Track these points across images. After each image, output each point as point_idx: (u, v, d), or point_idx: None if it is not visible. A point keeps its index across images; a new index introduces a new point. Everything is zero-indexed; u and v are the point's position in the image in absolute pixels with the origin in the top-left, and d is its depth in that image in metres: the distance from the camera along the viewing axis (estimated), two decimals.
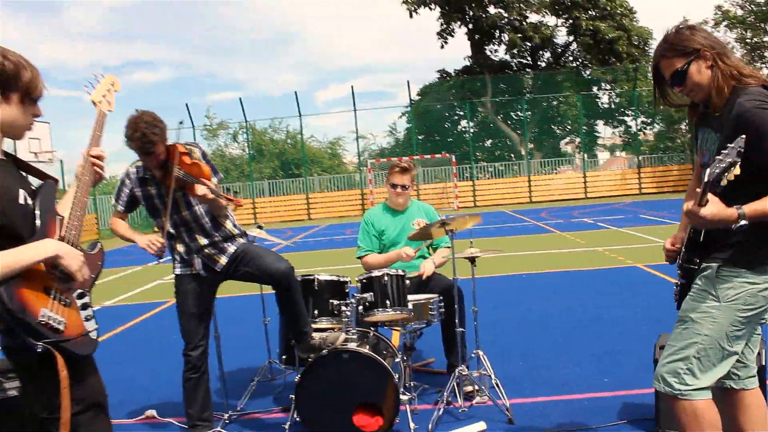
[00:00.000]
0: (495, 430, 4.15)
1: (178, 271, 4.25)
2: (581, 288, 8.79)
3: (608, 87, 37.75)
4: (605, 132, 40.67)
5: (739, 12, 31.05)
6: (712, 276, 2.77)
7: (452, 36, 37.89)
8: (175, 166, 3.84)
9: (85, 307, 2.40)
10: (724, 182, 2.43)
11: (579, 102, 33.03)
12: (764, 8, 30.10)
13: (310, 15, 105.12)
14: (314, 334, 4.28)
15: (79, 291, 2.39)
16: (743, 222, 2.54)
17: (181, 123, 5.03)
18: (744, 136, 2.41)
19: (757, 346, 3.01)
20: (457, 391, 4.57)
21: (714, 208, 2.51)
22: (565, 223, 18.66)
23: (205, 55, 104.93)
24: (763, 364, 3.67)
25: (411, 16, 35.84)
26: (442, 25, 37.41)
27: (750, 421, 2.96)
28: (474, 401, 4.58)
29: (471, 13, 35.99)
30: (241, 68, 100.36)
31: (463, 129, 38.03)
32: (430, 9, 36.03)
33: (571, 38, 37.07)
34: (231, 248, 4.24)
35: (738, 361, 2.89)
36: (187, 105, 31.60)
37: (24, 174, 2.44)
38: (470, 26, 37.06)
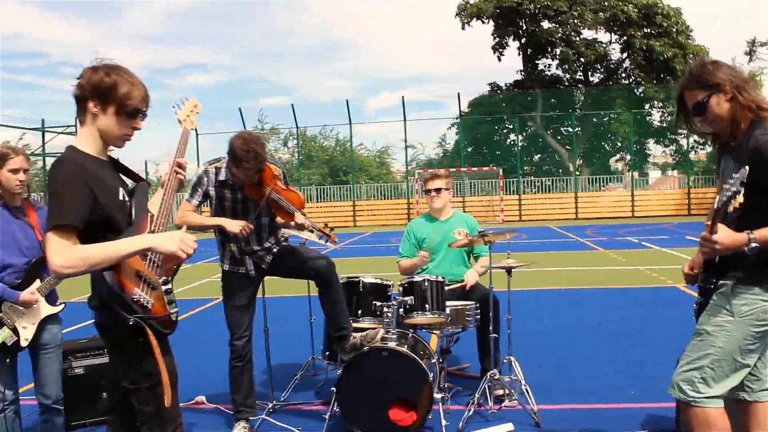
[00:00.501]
0: (522, 427, 4.40)
1: (227, 267, 4.62)
2: (618, 304, 8.95)
3: (661, 105, 37.43)
4: (656, 150, 40.33)
5: None
6: (728, 292, 3.00)
7: (505, 49, 38.01)
8: (270, 188, 4.38)
9: (168, 292, 2.78)
10: (730, 209, 2.67)
11: (630, 119, 32.83)
12: None
13: (362, 22, 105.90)
14: (354, 334, 4.60)
15: (164, 278, 2.76)
16: (754, 245, 2.78)
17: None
18: (747, 167, 2.65)
19: None
20: (488, 393, 4.84)
21: (724, 234, 2.77)
22: (609, 240, 18.68)
23: (257, 59, 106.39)
24: None
25: (463, 28, 36.12)
26: (495, 38, 37.55)
27: (761, 430, 3.17)
28: (504, 404, 4.84)
29: (524, 27, 36.07)
30: (291, 73, 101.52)
31: (512, 143, 38.04)
32: (483, 22, 36.22)
33: (624, 55, 36.86)
34: (275, 248, 4.65)
35: (751, 374, 3.10)
36: (240, 110, 32.33)
37: (120, 174, 2.85)
38: (523, 40, 37.14)
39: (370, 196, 34.46)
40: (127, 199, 2.76)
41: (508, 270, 5.12)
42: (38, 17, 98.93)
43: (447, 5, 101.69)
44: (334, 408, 4.48)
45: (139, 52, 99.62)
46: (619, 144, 39.21)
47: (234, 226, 4.35)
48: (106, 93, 2.65)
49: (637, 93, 37.20)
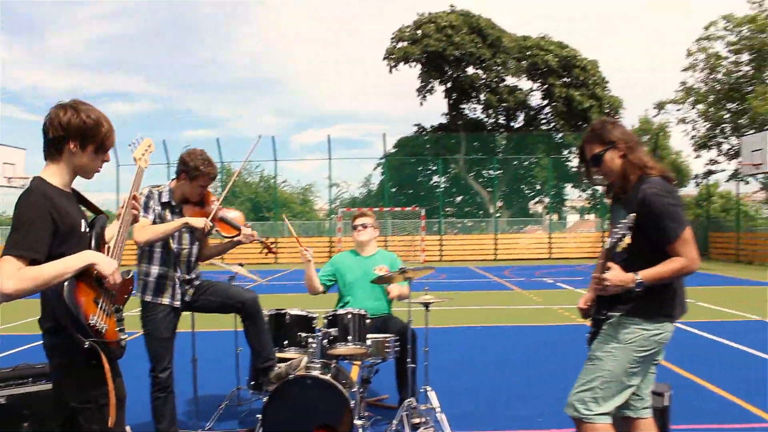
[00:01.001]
0: None
1: (148, 298, 4.67)
2: (531, 340, 9.37)
3: (578, 151, 39.01)
4: (573, 194, 41.90)
5: (703, 88, 32.50)
6: (616, 323, 3.40)
7: (431, 93, 38.98)
8: (215, 208, 4.66)
9: (119, 320, 2.96)
10: (619, 249, 3.10)
11: (549, 164, 34.09)
12: (726, 86, 31.59)
13: (291, 60, 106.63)
14: (279, 363, 4.80)
15: (116, 306, 2.95)
16: (640, 282, 3.20)
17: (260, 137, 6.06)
18: (634, 214, 3.10)
19: (651, 384, 3.62)
20: (405, 421, 5.09)
21: (614, 273, 3.19)
22: (526, 281, 19.32)
23: (184, 90, 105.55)
24: (666, 404, 4.28)
25: (391, 71, 36.94)
26: (421, 81, 38.50)
27: None
28: (419, 430, 5.11)
29: (450, 73, 37.12)
30: (219, 107, 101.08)
31: (435, 184, 38.84)
32: (411, 66, 37.14)
33: (545, 102, 38.34)
34: (197, 281, 4.82)
35: (635, 394, 3.50)
36: (164, 142, 32.08)
37: (79, 200, 3.04)
38: (448, 84, 38.18)
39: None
40: (87, 230, 2.95)
41: (426, 305, 5.43)
42: None
43: (376, 48, 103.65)
44: (261, 430, 4.67)
45: (61, 77, 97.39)
46: (538, 187, 40.57)
47: (198, 222, 4.51)
48: (87, 134, 2.86)
49: (557, 139, 38.69)
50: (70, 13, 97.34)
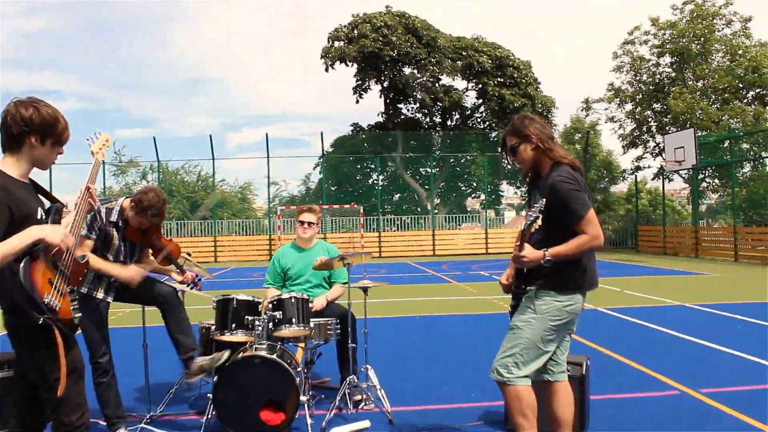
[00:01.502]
0: (378, 428, 5.03)
1: (84, 290, 4.82)
2: (466, 327, 9.83)
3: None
4: (508, 191, 42.85)
5: (630, 89, 33.71)
6: (532, 295, 3.84)
7: (367, 92, 39.33)
8: (158, 242, 5.12)
9: (73, 300, 3.21)
10: (533, 229, 3.54)
11: (484, 162, 34.83)
12: (651, 87, 32.86)
13: (227, 59, 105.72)
14: (200, 358, 5.04)
15: (71, 287, 3.20)
16: (548, 259, 3.63)
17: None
18: (544, 199, 3.57)
19: (567, 351, 4.06)
20: (347, 398, 5.46)
21: (529, 251, 3.62)
22: (462, 275, 19.85)
23: (116, 89, 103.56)
24: (583, 373, 4.74)
25: (327, 70, 37.14)
26: (357, 81, 38.83)
27: (559, 403, 4.01)
28: (361, 407, 5.47)
29: (386, 72, 37.55)
30: (153, 106, 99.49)
31: (373, 182, 39.25)
32: (347, 65, 37.43)
33: (480, 101, 39.14)
34: None
35: (552, 359, 3.94)
36: (91, 139, 31.57)
37: (37, 190, 3.28)
38: (385, 84, 38.61)
39: (231, 231, 34.46)
40: (44, 217, 3.19)
41: (364, 289, 5.79)
42: None
43: (312, 47, 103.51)
44: (211, 412, 4.95)
45: None
46: (475, 185, 41.31)
47: (127, 272, 4.84)
48: (48, 129, 3.16)
49: (491, 137, 39.52)
50: None
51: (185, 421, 5.34)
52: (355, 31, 36.28)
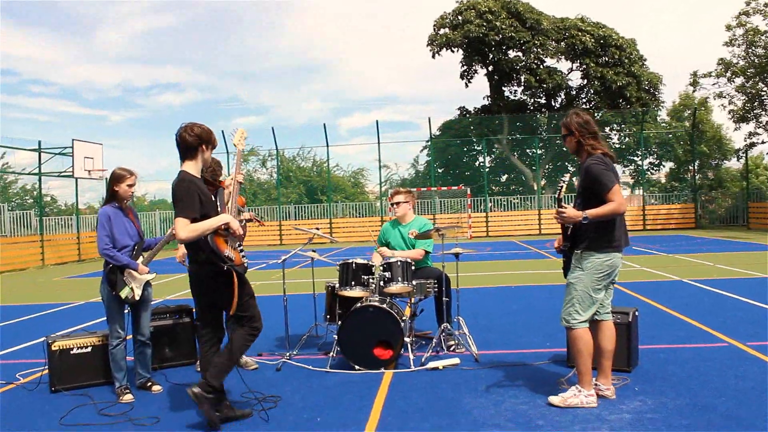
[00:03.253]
0: (466, 363, 6.39)
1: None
2: (551, 296, 10.99)
3: (618, 128, 40.03)
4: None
5: (741, 63, 33.07)
6: (578, 257, 5.08)
7: (473, 77, 40.24)
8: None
9: (241, 251, 4.81)
10: (560, 195, 4.80)
11: None
12: (764, 60, 32.17)
13: (336, 45, 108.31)
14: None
15: (238, 243, 4.79)
16: (586, 217, 4.86)
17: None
18: (568, 174, 4.84)
19: (611, 297, 5.26)
20: (442, 342, 6.85)
21: (569, 210, 4.87)
22: None
23: (232, 79, 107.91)
24: (630, 321, 5.91)
25: (434, 57, 38.25)
26: (463, 66, 39.79)
27: (603, 337, 5.21)
28: (452, 349, 6.84)
29: (491, 56, 38.32)
30: (266, 94, 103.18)
31: (480, 164, 40.22)
32: (453, 51, 38.45)
33: (584, 82, 39.33)
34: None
35: (600, 304, 5.15)
36: (222, 132, 34.13)
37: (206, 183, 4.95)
38: (490, 68, 39.40)
39: (345, 214, 36.40)
40: (216, 199, 4.82)
41: (456, 255, 7.14)
42: (8, 33, 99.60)
43: (419, 32, 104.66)
44: (335, 350, 6.46)
45: (111, 71, 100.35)
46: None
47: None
48: (209, 141, 4.85)
49: (597, 117, 39.67)
50: (114, 9, 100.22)
51: (315, 360, 6.85)
52: (460, 18, 37.21)
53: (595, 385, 5.19)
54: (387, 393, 5.54)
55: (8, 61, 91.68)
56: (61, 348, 6.04)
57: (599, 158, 5.03)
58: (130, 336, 6.02)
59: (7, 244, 23.33)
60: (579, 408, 4.94)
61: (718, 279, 12.23)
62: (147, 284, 5.93)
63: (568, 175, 5.13)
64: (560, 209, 4.99)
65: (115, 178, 5.84)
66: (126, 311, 5.94)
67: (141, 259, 5.87)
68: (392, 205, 7.70)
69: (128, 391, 5.74)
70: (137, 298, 5.79)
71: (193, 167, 4.85)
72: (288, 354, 6.92)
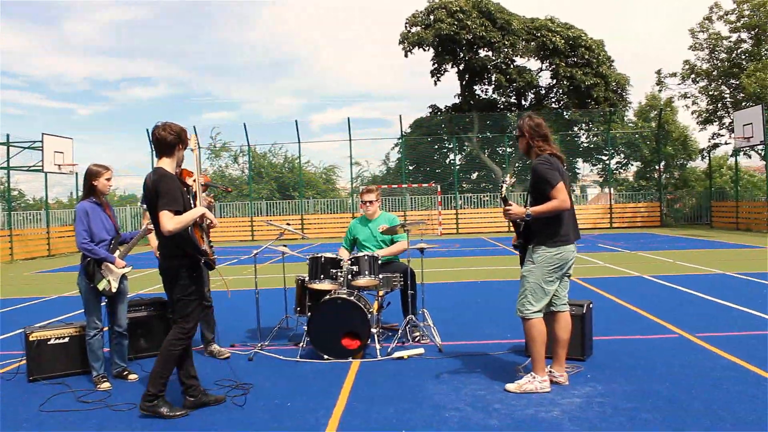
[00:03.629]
0: (429, 353, 6.70)
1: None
2: (511, 290, 11.35)
3: (586, 128, 40.70)
4: (584, 169, 43.52)
5: (705, 66, 33.90)
6: (530, 251, 5.42)
7: (443, 75, 40.60)
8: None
9: (210, 246, 5.11)
10: (503, 194, 5.16)
11: (558, 141, 35.75)
12: (726, 63, 33.02)
13: (309, 42, 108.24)
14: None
15: (209, 240, 5.07)
16: (529, 213, 5.23)
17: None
18: (509, 174, 5.27)
19: (566, 288, 5.58)
20: (408, 333, 7.16)
21: (515, 207, 5.23)
22: None
23: (203, 73, 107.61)
24: (584, 312, 6.26)
25: (406, 55, 38.53)
26: (434, 64, 40.15)
27: (559, 327, 5.56)
28: (417, 340, 7.15)
29: (462, 55, 38.72)
30: (238, 89, 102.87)
31: (451, 161, 40.64)
32: (424, 50, 38.77)
33: (554, 82, 39.90)
34: None
35: (555, 296, 5.49)
36: (194, 128, 34.17)
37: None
38: (461, 67, 39.79)
39: (317, 210, 36.61)
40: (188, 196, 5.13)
41: (421, 250, 7.45)
42: None
43: (391, 31, 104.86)
44: (305, 341, 6.73)
45: (80, 64, 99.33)
46: None
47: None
48: (184, 138, 5.12)
49: (566, 116, 40.26)
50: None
51: (286, 350, 7.11)
52: (431, 17, 37.55)
53: (550, 372, 5.53)
54: (354, 381, 5.83)
55: None
56: (38, 339, 6.24)
57: (545, 158, 5.36)
58: (107, 327, 6.24)
59: None
60: (534, 393, 5.27)
61: (677, 275, 12.69)
62: (123, 277, 6.16)
63: (509, 175, 5.49)
64: (506, 207, 5.34)
65: (93, 174, 6.06)
66: (103, 303, 6.16)
67: (117, 252, 6.09)
68: (363, 203, 7.98)
69: (105, 379, 5.97)
70: (114, 290, 6.02)
71: (169, 164, 5.10)
72: (260, 345, 7.17)
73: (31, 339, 6.22)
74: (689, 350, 6.60)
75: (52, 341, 6.30)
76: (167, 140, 5.06)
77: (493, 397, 5.22)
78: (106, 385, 5.89)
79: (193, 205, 5.16)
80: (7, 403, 5.58)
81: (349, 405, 5.15)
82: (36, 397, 5.67)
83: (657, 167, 36.60)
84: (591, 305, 6.57)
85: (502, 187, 5.43)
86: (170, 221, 4.79)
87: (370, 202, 7.91)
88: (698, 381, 5.49)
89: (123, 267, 6.10)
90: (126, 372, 6.22)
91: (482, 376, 5.83)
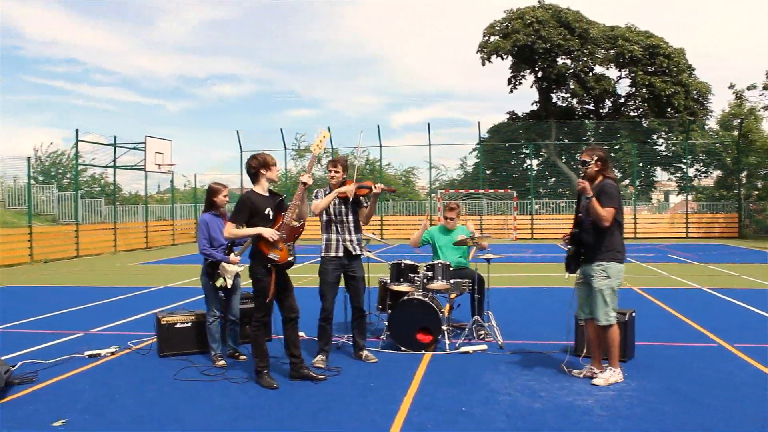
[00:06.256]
0: (491, 350, 7.77)
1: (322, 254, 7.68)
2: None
3: (665, 136, 40.67)
4: (663, 177, 43.39)
5: None
6: (604, 267, 6.42)
7: (521, 83, 41.28)
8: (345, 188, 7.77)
9: (290, 248, 6.40)
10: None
11: (634, 149, 35.98)
12: None
13: (391, 41, 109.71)
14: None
15: (288, 243, 6.32)
16: (590, 197, 6.29)
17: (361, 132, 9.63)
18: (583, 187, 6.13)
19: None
20: (474, 332, 8.27)
21: (586, 183, 6.34)
22: None
23: (287, 71, 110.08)
24: (627, 320, 7.22)
25: (483, 64, 39.39)
26: (512, 72, 40.87)
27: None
28: (482, 338, 8.25)
29: (539, 63, 39.30)
30: (321, 87, 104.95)
31: (527, 167, 41.24)
32: (502, 59, 39.55)
33: (633, 89, 40.05)
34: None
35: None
36: (281, 130, 36.06)
37: (273, 197, 6.48)
38: (539, 75, 40.39)
39: (396, 212, 37.85)
40: (270, 212, 6.38)
41: (488, 260, 8.54)
42: (70, 23, 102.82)
43: (471, 35, 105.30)
44: (386, 333, 7.92)
45: (170, 61, 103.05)
46: (627, 171, 42.29)
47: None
48: (265, 166, 6.42)
49: (644, 125, 40.34)
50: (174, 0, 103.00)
51: (369, 342, 8.22)
52: (509, 26, 38.28)
53: (590, 368, 6.55)
54: (426, 369, 6.98)
55: (73, 51, 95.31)
56: (168, 322, 7.63)
57: (615, 185, 6.48)
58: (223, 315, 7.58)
59: (85, 231, 25.31)
60: (575, 382, 6.36)
61: (736, 289, 13.32)
62: (237, 275, 7.46)
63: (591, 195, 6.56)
64: (582, 179, 6.40)
65: (213, 191, 7.42)
66: (221, 296, 7.49)
67: (233, 254, 7.40)
68: (446, 219, 9.06)
69: (221, 358, 7.30)
70: (229, 286, 7.33)
71: (259, 187, 6.50)
72: (346, 336, 8.39)
73: (162, 322, 7.61)
74: (723, 358, 7.47)
75: (178, 325, 7.68)
76: (249, 171, 6.51)
77: (540, 387, 6.28)
78: (221, 363, 7.20)
79: (277, 215, 6.39)
80: (147, 372, 6.97)
81: (421, 387, 6.30)
82: (168, 369, 7.05)
83: (737, 177, 36.33)
84: (634, 314, 7.52)
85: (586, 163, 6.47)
86: (228, 230, 6.36)
87: (451, 218, 9.01)
88: (721, 384, 6.39)
89: (237, 266, 7.40)
90: (237, 353, 7.53)
91: (534, 370, 6.89)
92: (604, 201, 6.31)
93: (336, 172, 7.27)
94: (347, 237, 7.31)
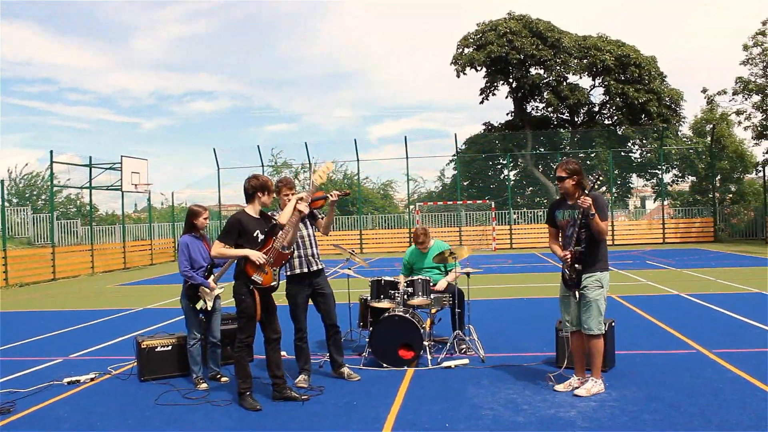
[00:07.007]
0: (473, 363, 7.79)
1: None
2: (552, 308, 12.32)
3: (639, 144, 41.12)
4: (638, 183, 43.84)
5: (759, 81, 34.01)
6: (599, 277, 6.46)
7: (494, 94, 41.58)
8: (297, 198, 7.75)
9: (275, 273, 6.34)
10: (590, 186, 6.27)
11: (609, 157, 36.34)
12: None
13: (367, 54, 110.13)
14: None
15: (275, 268, 6.27)
16: (593, 214, 6.25)
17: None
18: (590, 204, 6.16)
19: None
20: (455, 346, 8.28)
21: (588, 199, 6.24)
22: None
23: (264, 86, 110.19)
24: (607, 329, 7.28)
25: (458, 76, 39.64)
26: (486, 83, 41.16)
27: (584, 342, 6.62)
28: (464, 352, 8.27)
29: (513, 74, 39.61)
30: (298, 101, 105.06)
31: (505, 178, 41.51)
32: (476, 70, 39.82)
33: (606, 98, 40.49)
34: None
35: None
36: (258, 147, 36.01)
37: (265, 219, 6.42)
38: (513, 85, 40.70)
39: (375, 225, 37.89)
40: (259, 235, 6.33)
41: (467, 274, 8.57)
42: (47, 42, 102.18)
43: (445, 47, 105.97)
44: (367, 351, 7.91)
45: (146, 79, 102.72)
46: (603, 178, 42.67)
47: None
48: (264, 189, 6.35)
49: (619, 132, 40.78)
50: (149, 17, 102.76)
51: (350, 360, 8.26)
52: (482, 38, 38.58)
53: (577, 379, 6.60)
54: (408, 385, 6.98)
55: (48, 70, 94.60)
56: (148, 346, 7.57)
57: (599, 194, 6.53)
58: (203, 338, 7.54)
59: (61, 253, 25.08)
60: (558, 395, 6.38)
61: (713, 293, 13.48)
62: (217, 297, 7.44)
63: (599, 172, 6.66)
64: (585, 196, 6.24)
65: (194, 214, 7.39)
66: (201, 318, 7.46)
67: (212, 277, 7.38)
68: (417, 243, 8.96)
69: (203, 380, 7.25)
70: (209, 308, 7.30)
71: (251, 209, 6.43)
72: (328, 355, 8.36)
73: (142, 346, 7.55)
74: (702, 364, 7.54)
75: (159, 348, 7.62)
76: (246, 191, 6.43)
77: (523, 400, 6.30)
78: (204, 386, 7.16)
79: (267, 239, 6.32)
80: (128, 397, 6.91)
81: (404, 404, 6.30)
82: (150, 393, 7.00)
83: (711, 182, 36.80)
84: (613, 323, 7.58)
85: (594, 177, 6.37)
86: (215, 249, 6.32)
87: (422, 242, 8.96)
88: (700, 390, 6.46)
89: (216, 289, 7.37)
90: (219, 375, 7.49)
91: (516, 383, 6.92)
92: (600, 214, 6.38)
93: (289, 195, 7.01)
94: (309, 252, 7.26)
